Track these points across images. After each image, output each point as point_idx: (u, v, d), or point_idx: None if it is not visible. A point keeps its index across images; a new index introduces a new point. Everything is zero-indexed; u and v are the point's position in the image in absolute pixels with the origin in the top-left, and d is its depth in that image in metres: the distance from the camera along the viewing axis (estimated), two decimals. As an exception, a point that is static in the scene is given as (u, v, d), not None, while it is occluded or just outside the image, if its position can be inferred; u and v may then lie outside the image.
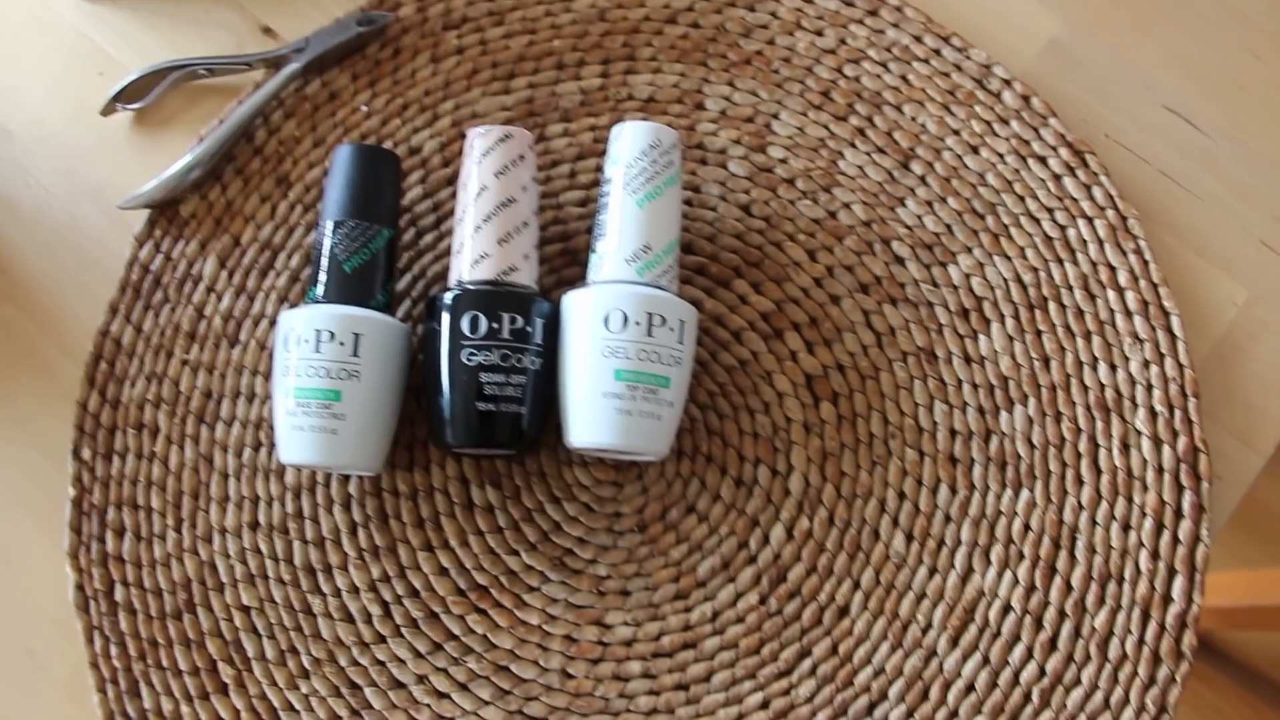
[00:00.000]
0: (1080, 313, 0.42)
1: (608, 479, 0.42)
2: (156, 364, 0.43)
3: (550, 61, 0.45)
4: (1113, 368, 0.42)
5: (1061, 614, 0.40)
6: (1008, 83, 0.44)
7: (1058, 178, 0.44)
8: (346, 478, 0.42)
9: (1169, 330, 0.42)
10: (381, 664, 0.40)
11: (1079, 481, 0.41)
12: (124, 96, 0.45)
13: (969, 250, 0.43)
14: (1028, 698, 0.39)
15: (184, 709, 0.40)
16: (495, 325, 0.38)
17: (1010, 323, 0.42)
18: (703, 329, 0.42)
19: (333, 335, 0.38)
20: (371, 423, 0.39)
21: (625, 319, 0.37)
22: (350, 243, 0.39)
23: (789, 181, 0.44)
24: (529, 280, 0.39)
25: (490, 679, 0.40)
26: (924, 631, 0.40)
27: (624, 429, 0.37)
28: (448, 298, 0.38)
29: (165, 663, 0.40)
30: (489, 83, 0.45)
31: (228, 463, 0.42)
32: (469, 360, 0.38)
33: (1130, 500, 0.41)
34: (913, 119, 0.44)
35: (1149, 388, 0.41)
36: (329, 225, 0.40)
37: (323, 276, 0.39)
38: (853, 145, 0.44)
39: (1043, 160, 0.44)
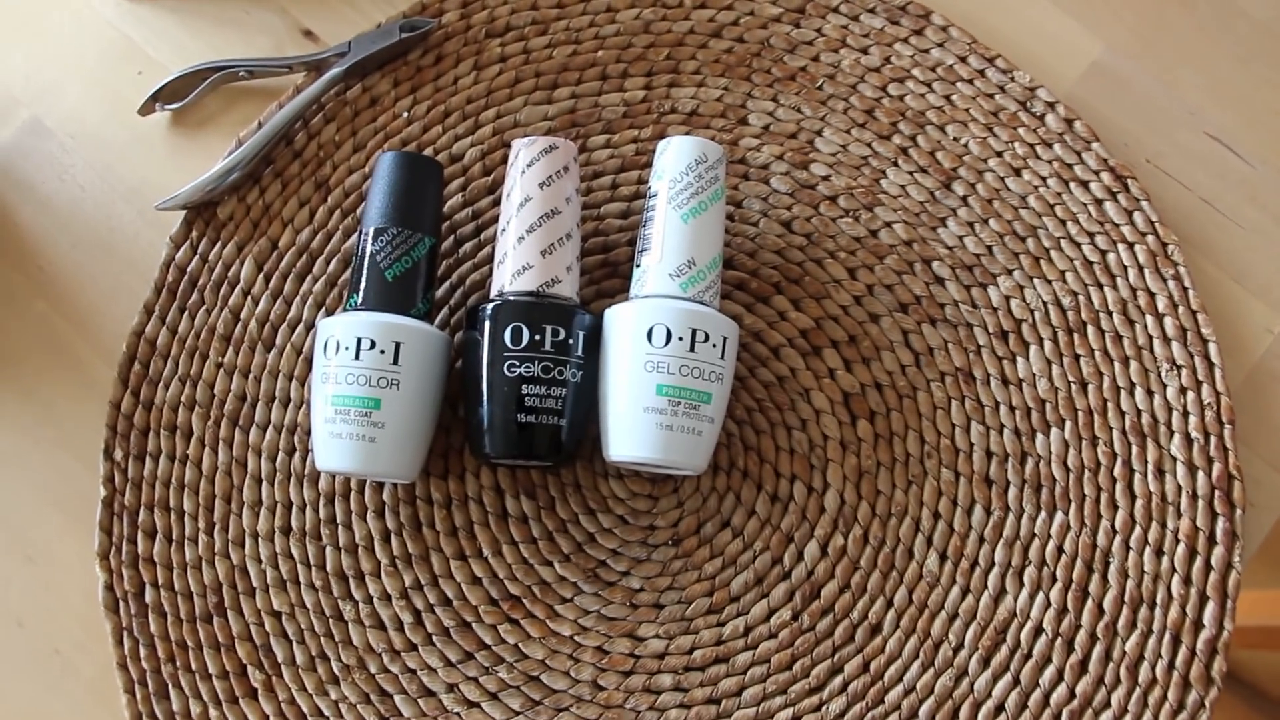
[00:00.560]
0: (1119, 337, 0.42)
1: (643, 492, 0.42)
2: (190, 366, 0.43)
3: (594, 72, 0.45)
4: (1149, 393, 0.42)
5: (1093, 637, 0.40)
6: (1051, 106, 0.44)
7: (1099, 202, 0.44)
8: (380, 484, 0.41)
9: (1206, 357, 0.42)
10: (412, 672, 0.40)
11: (1113, 506, 0.41)
12: (162, 96, 0.45)
13: (1009, 272, 0.43)
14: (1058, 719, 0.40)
15: (212, 712, 0.40)
16: (537, 337, 0.38)
17: (1049, 346, 0.42)
18: (742, 344, 0.42)
19: (374, 343, 0.38)
20: (410, 431, 0.39)
21: (669, 334, 0.37)
22: (392, 250, 0.39)
23: (831, 199, 0.44)
24: (571, 292, 0.39)
25: (521, 689, 0.40)
26: (955, 651, 0.40)
27: (664, 444, 0.37)
28: (490, 308, 0.38)
29: (194, 666, 0.40)
30: (532, 92, 0.45)
31: (261, 467, 0.42)
32: (510, 371, 0.38)
33: (1164, 525, 0.41)
34: (956, 140, 0.44)
35: (1185, 414, 0.42)
36: (371, 232, 0.40)
37: (364, 283, 0.39)
38: (895, 164, 0.44)
39: (1084, 184, 0.44)
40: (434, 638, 0.40)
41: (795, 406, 0.42)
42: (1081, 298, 0.43)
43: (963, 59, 0.45)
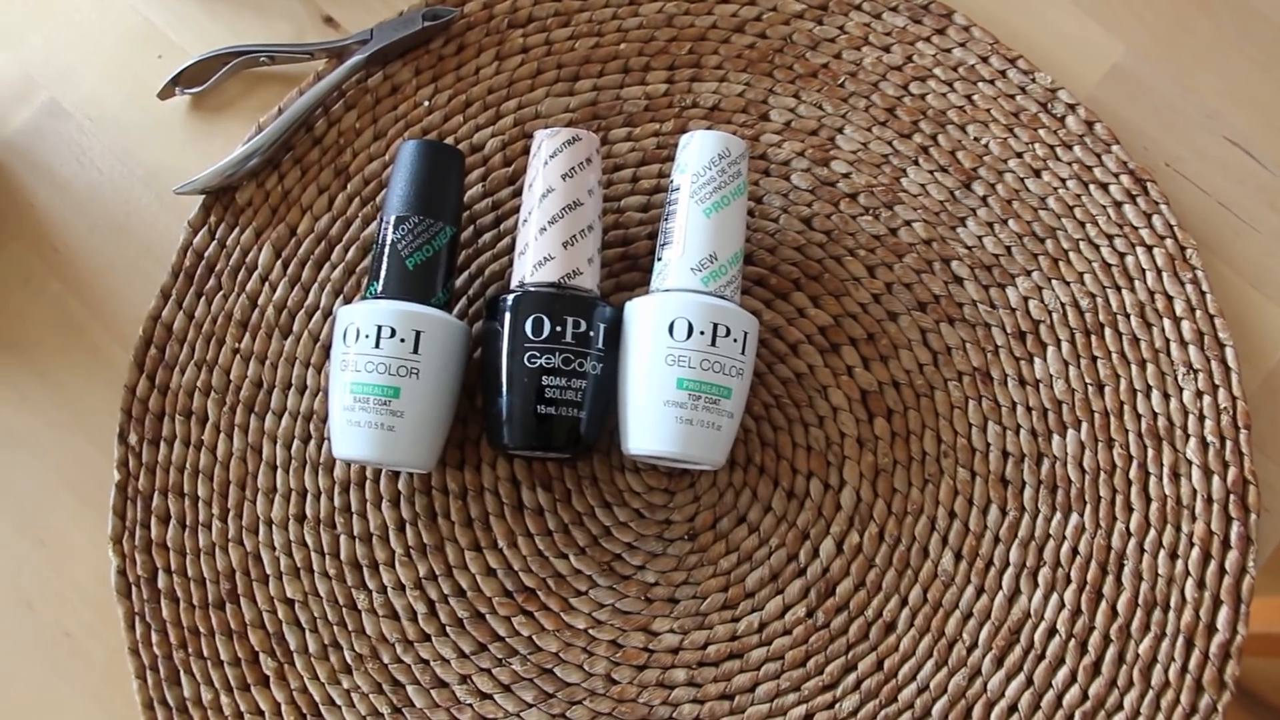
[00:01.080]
0: (1136, 340, 0.42)
1: (660, 486, 0.42)
2: (207, 352, 0.42)
3: (616, 65, 0.45)
4: (1166, 396, 0.42)
5: (1106, 639, 0.40)
6: (1072, 107, 0.45)
7: (1118, 205, 0.44)
8: (396, 474, 0.41)
9: (1223, 361, 0.42)
10: (425, 662, 0.40)
11: (1128, 508, 0.41)
12: (182, 80, 0.45)
13: (1028, 273, 0.43)
14: (1071, 721, 0.40)
15: (224, 699, 0.40)
16: (558, 329, 0.38)
17: (1066, 347, 0.42)
18: (760, 340, 0.42)
19: (394, 331, 0.38)
20: (428, 420, 0.39)
21: (690, 328, 0.37)
22: (413, 239, 0.39)
23: (851, 196, 0.44)
24: (591, 284, 0.39)
25: (534, 681, 0.40)
26: (969, 651, 0.40)
27: (684, 438, 0.37)
28: (511, 299, 0.38)
29: (206, 652, 0.40)
30: (553, 83, 0.45)
31: (276, 454, 0.42)
32: (530, 363, 0.38)
33: (1178, 529, 0.41)
34: (976, 140, 0.44)
35: (1201, 418, 0.42)
36: (392, 220, 0.39)
37: (384, 271, 0.39)
38: (916, 163, 0.44)
39: (1104, 187, 0.44)
40: (448, 628, 0.40)
41: (813, 403, 0.42)
42: (1100, 300, 0.43)
43: (984, 59, 0.45)
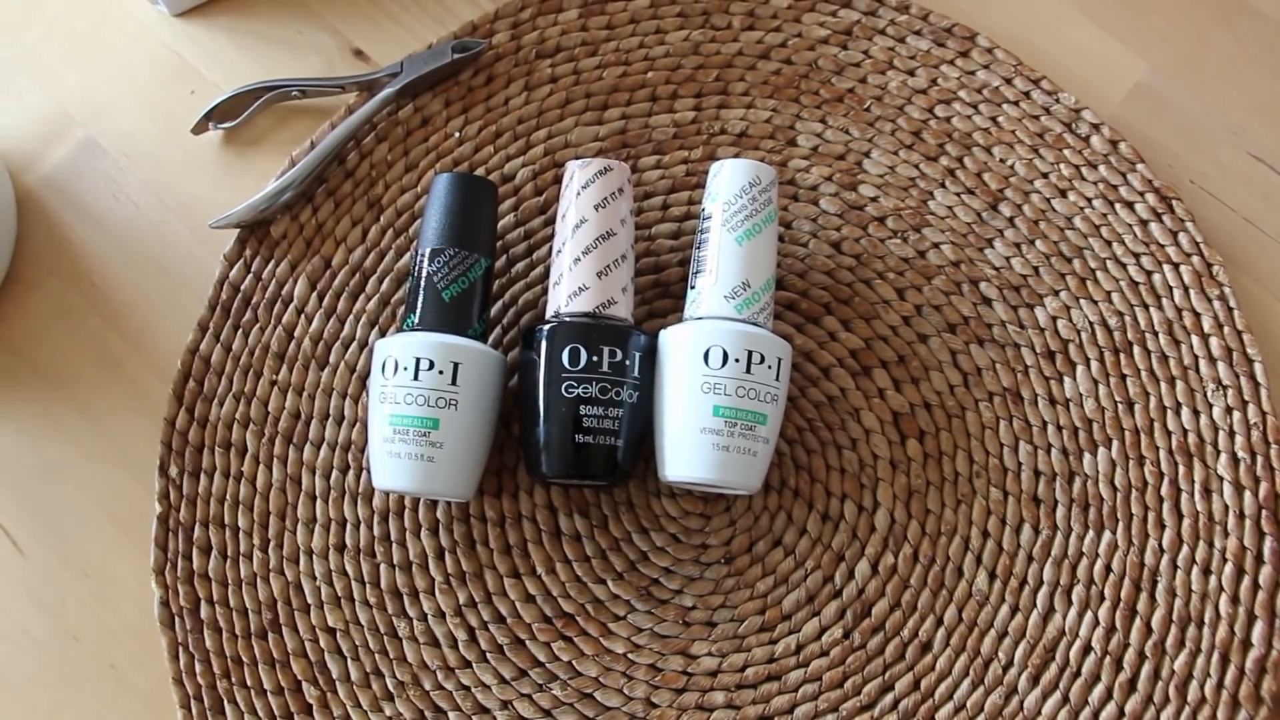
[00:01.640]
0: (1165, 358, 0.43)
1: (696, 511, 0.42)
2: (245, 384, 0.43)
3: (644, 93, 0.46)
4: (1195, 413, 0.42)
5: (1141, 656, 0.40)
6: (1096, 127, 0.45)
7: (1144, 223, 0.44)
8: (434, 502, 0.42)
9: (1252, 377, 0.42)
10: (466, 689, 0.40)
11: (1160, 525, 0.41)
12: (215, 115, 0.46)
13: (1056, 293, 0.43)
14: (1108, 739, 0.40)
15: (268, 728, 0.40)
16: (595, 358, 0.38)
17: (1095, 366, 0.43)
18: (793, 365, 0.43)
19: (432, 364, 0.38)
20: (468, 451, 0.39)
21: (725, 355, 0.38)
22: (449, 271, 0.40)
23: (880, 220, 0.44)
24: (626, 313, 0.40)
25: (575, 706, 0.40)
26: (1005, 669, 0.41)
27: (721, 464, 0.38)
28: (547, 329, 0.39)
29: (249, 681, 0.40)
30: (582, 113, 0.45)
31: (315, 485, 0.42)
32: (568, 392, 0.38)
33: (1211, 545, 0.41)
34: (1002, 161, 0.45)
35: (1231, 433, 0.42)
36: (427, 253, 0.40)
37: (421, 304, 0.40)
38: (943, 185, 0.45)
39: (1130, 205, 0.44)
40: (488, 655, 0.41)
41: (845, 426, 0.43)
42: (1128, 318, 0.43)
43: (1008, 80, 0.46)
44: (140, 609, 0.42)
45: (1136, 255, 0.44)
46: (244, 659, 0.41)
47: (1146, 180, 0.44)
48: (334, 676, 0.41)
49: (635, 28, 0.46)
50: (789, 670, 0.41)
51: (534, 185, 0.45)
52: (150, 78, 0.47)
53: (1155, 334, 0.43)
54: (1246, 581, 0.41)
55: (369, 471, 0.40)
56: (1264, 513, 0.41)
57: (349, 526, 0.42)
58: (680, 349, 0.38)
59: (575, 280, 0.39)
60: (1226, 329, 0.43)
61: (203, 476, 0.42)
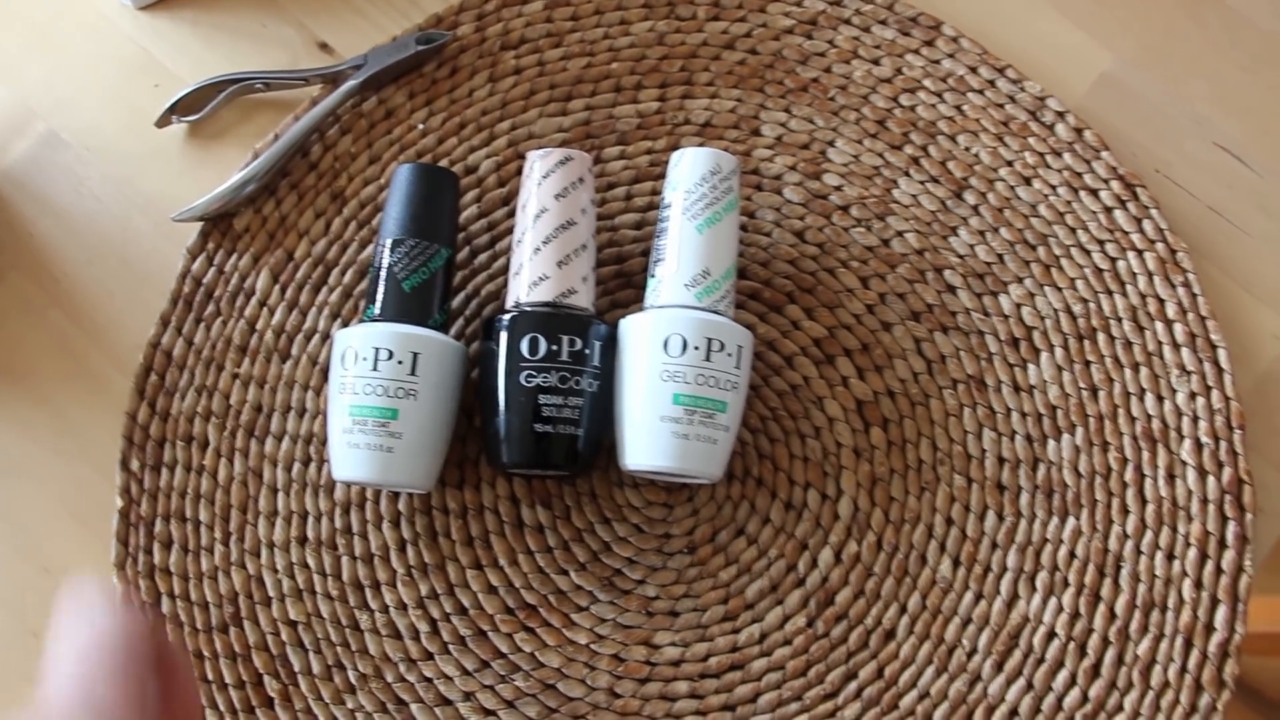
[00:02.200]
0: (1129, 344, 0.43)
1: (658, 500, 0.42)
2: (207, 377, 0.43)
3: (608, 84, 0.45)
4: (1160, 399, 0.42)
5: (1105, 641, 0.40)
6: (1061, 115, 0.45)
7: (1109, 210, 0.44)
8: (396, 495, 0.42)
9: (1216, 363, 0.42)
10: (428, 681, 0.40)
11: (1125, 510, 0.41)
12: (179, 108, 0.45)
13: (1020, 280, 0.43)
14: (1073, 726, 0.40)
15: (230, 722, 0.40)
16: (554, 347, 0.38)
17: (1059, 352, 0.43)
18: (755, 353, 0.43)
19: (391, 354, 0.38)
20: (427, 441, 0.39)
21: (684, 344, 0.38)
22: (409, 261, 0.40)
23: (843, 209, 0.44)
24: (586, 303, 0.40)
25: (537, 697, 0.40)
26: (969, 656, 0.40)
27: (681, 452, 0.37)
28: (507, 319, 0.39)
29: (211, 675, 0.40)
30: (546, 104, 0.45)
31: (277, 477, 0.42)
32: (527, 382, 0.38)
33: (1175, 530, 0.41)
34: (967, 149, 0.45)
35: (1195, 419, 0.42)
36: (388, 243, 0.40)
37: (380, 294, 0.40)
38: (907, 174, 0.45)
39: (1094, 193, 0.44)
40: (450, 646, 0.40)
41: (809, 414, 0.42)
42: (1092, 305, 0.43)
43: (973, 69, 0.46)
44: (102, 604, 0.41)
45: (1101, 242, 0.44)
46: (205, 653, 0.40)
47: (1111, 167, 0.44)
48: (296, 670, 0.40)
49: (600, 19, 0.46)
50: (752, 659, 0.41)
51: (498, 177, 0.45)
52: (113, 71, 0.47)
53: (1119, 320, 0.43)
54: (1210, 566, 0.41)
55: (329, 463, 0.40)
56: (1227, 498, 0.41)
57: (310, 519, 0.42)
58: (640, 337, 0.38)
59: (535, 270, 0.39)
60: (1190, 315, 0.43)
61: (164, 470, 0.42)
